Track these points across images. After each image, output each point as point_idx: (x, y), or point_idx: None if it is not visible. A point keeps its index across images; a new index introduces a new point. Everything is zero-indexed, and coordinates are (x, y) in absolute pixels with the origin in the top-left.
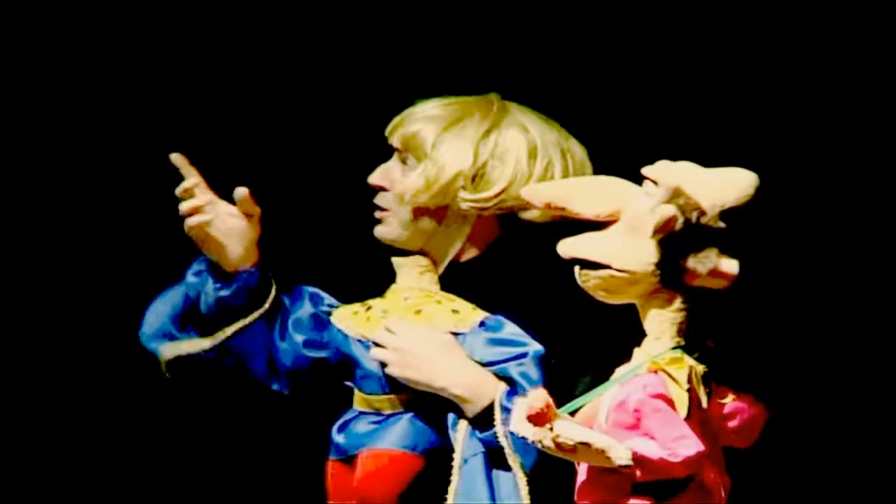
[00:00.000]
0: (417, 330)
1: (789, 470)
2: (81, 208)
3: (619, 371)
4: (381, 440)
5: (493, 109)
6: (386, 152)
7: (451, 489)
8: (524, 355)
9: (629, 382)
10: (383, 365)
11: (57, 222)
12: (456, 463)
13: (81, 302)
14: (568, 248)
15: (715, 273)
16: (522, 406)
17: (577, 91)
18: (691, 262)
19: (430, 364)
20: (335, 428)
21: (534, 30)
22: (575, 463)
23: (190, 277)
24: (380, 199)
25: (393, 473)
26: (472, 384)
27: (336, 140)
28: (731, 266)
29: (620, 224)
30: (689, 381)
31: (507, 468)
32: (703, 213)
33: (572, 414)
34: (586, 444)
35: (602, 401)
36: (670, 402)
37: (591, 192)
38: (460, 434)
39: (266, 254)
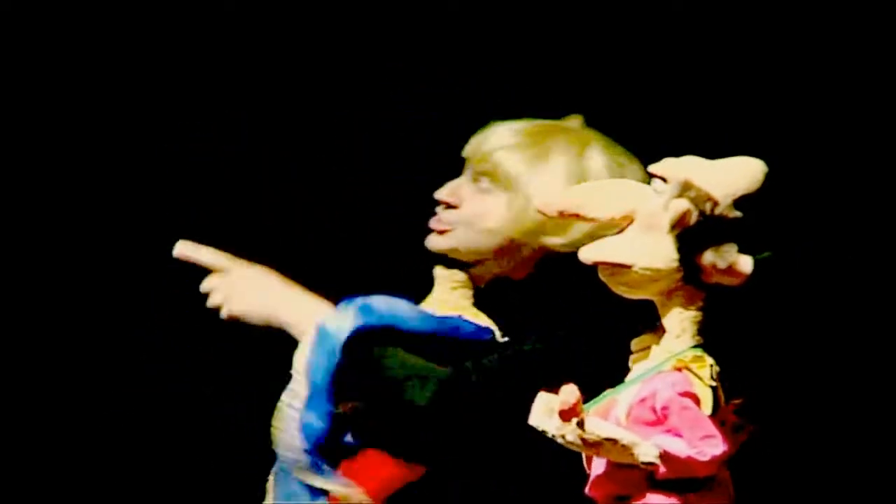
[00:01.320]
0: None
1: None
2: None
3: (639, 368)
4: None
5: (579, 140)
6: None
7: None
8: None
9: (652, 380)
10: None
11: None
12: None
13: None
14: (590, 253)
15: (731, 270)
16: (545, 400)
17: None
18: (710, 257)
19: (261, 292)
20: None
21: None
22: (583, 457)
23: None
24: (445, 215)
25: None
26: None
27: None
28: (746, 264)
29: (636, 224)
30: (713, 379)
31: None
32: (715, 203)
33: None
34: (613, 441)
35: (620, 398)
36: (697, 401)
37: (602, 196)
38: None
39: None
